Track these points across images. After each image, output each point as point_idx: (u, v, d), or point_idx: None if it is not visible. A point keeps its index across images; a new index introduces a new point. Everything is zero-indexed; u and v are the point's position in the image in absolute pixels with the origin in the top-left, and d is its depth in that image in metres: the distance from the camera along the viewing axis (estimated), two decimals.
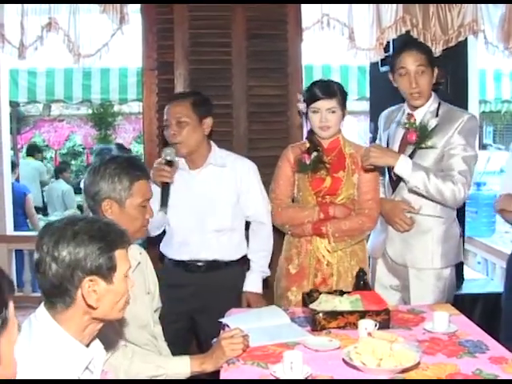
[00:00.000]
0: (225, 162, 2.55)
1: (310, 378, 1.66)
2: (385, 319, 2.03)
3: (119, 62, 6.00)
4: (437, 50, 3.23)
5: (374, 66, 3.46)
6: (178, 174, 2.53)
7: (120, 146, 7.04)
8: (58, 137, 10.68)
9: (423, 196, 2.44)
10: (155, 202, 2.27)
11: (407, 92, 2.48)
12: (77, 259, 1.36)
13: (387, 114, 2.74)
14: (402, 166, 2.38)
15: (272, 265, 2.69)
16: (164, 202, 2.45)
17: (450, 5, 3.27)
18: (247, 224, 2.67)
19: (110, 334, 1.72)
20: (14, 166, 5.42)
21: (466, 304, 3.15)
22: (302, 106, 2.58)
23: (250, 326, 2.02)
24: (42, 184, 7.14)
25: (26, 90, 6.41)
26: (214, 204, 2.53)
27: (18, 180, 5.79)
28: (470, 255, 4.39)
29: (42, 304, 1.41)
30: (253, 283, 2.60)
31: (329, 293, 2.22)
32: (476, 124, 2.52)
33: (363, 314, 2.03)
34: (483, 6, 3.31)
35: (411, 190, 2.45)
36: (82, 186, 2.07)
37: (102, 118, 9.84)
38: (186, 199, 2.53)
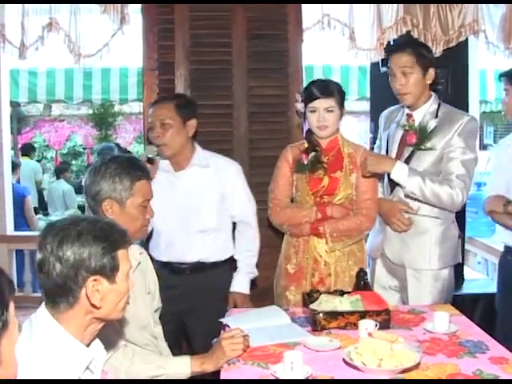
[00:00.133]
0: (208, 163, 2.57)
1: (310, 378, 1.66)
2: (385, 319, 2.03)
3: (120, 62, 6.00)
4: (437, 51, 3.24)
5: (374, 66, 3.46)
6: (163, 175, 2.56)
7: (118, 146, 7.03)
8: (58, 137, 10.67)
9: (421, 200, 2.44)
10: None
11: (395, 92, 2.51)
12: (81, 259, 1.36)
13: (387, 113, 2.74)
14: (399, 172, 2.40)
15: (272, 264, 2.69)
16: None
17: (451, 5, 3.27)
18: (235, 225, 2.68)
19: (111, 334, 1.72)
20: (16, 166, 5.42)
21: (466, 304, 3.15)
22: (299, 106, 2.58)
23: (250, 326, 2.02)
24: (37, 183, 7.14)
25: (27, 90, 6.40)
26: (199, 204, 2.54)
27: (18, 181, 5.79)
28: (470, 255, 4.39)
29: (43, 304, 1.41)
30: (240, 284, 2.61)
31: (329, 293, 2.22)
32: (476, 126, 2.51)
33: (364, 314, 2.03)
34: (484, 6, 3.31)
35: (408, 196, 2.45)
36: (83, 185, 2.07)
37: (103, 118, 9.83)
38: (171, 200, 2.54)
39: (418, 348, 1.84)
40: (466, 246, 4.10)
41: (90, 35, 3.35)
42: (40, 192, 6.94)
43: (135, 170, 1.94)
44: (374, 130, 3.33)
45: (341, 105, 2.52)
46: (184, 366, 1.85)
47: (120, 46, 3.49)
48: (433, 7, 3.26)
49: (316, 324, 2.03)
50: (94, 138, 10.11)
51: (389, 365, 1.66)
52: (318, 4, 3.31)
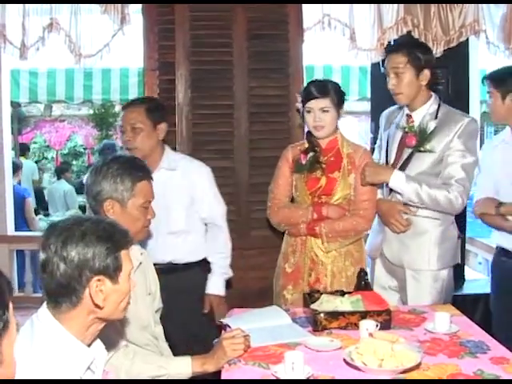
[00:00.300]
0: (176, 166, 2.58)
1: (311, 379, 1.66)
2: (386, 319, 2.03)
3: (120, 63, 6.01)
4: (438, 51, 3.24)
5: (375, 66, 3.45)
6: None
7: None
8: (59, 137, 10.68)
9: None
10: None
11: (391, 92, 2.52)
12: (86, 259, 1.36)
13: (388, 113, 2.74)
14: (396, 180, 2.42)
15: (271, 264, 2.69)
16: None
17: (452, 5, 3.28)
18: None
19: (112, 334, 1.73)
20: (17, 167, 5.40)
21: (467, 304, 3.15)
22: (300, 106, 2.59)
23: (251, 326, 2.02)
24: (34, 183, 7.14)
25: (28, 91, 6.42)
26: (167, 207, 2.53)
27: (19, 183, 5.78)
28: (470, 256, 4.38)
29: (44, 304, 1.41)
30: (214, 285, 2.63)
31: (330, 293, 2.22)
32: (476, 127, 2.50)
33: (364, 315, 2.03)
34: (484, 6, 3.31)
35: (407, 204, 2.46)
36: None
37: (103, 119, 9.83)
38: None
39: (419, 348, 1.84)
40: (467, 247, 4.10)
41: (91, 35, 3.36)
42: (38, 191, 6.93)
43: (137, 170, 1.94)
44: (375, 130, 3.33)
45: (337, 105, 2.51)
46: (185, 366, 1.85)
47: (120, 46, 3.49)
48: (433, 7, 3.27)
49: (317, 324, 2.03)
50: (95, 139, 10.12)
51: (390, 365, 1.66)
52: (318, 4, 3.31)
